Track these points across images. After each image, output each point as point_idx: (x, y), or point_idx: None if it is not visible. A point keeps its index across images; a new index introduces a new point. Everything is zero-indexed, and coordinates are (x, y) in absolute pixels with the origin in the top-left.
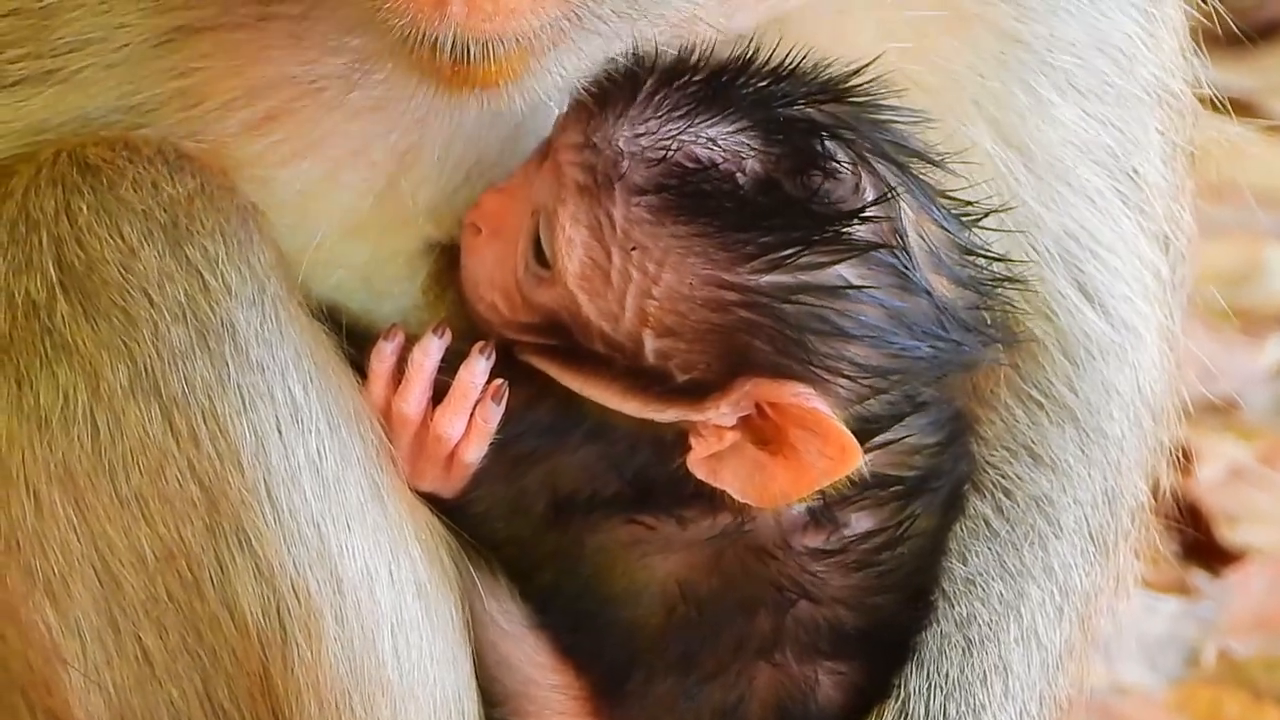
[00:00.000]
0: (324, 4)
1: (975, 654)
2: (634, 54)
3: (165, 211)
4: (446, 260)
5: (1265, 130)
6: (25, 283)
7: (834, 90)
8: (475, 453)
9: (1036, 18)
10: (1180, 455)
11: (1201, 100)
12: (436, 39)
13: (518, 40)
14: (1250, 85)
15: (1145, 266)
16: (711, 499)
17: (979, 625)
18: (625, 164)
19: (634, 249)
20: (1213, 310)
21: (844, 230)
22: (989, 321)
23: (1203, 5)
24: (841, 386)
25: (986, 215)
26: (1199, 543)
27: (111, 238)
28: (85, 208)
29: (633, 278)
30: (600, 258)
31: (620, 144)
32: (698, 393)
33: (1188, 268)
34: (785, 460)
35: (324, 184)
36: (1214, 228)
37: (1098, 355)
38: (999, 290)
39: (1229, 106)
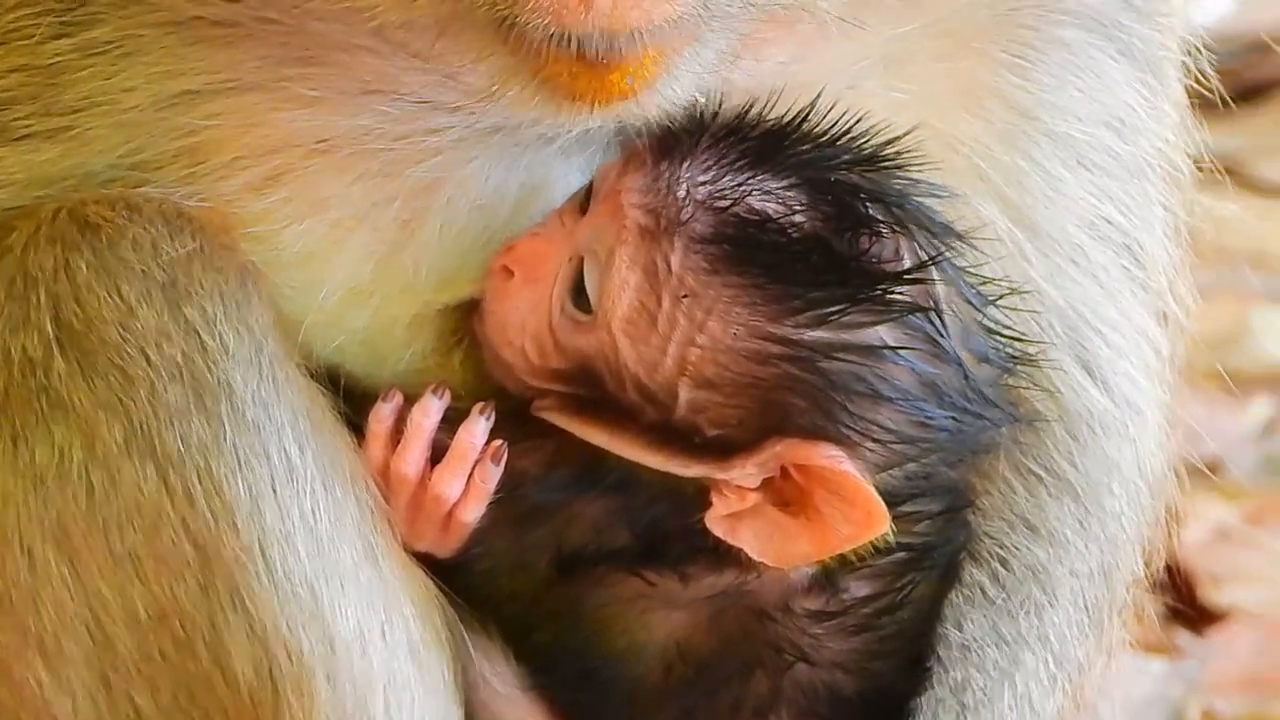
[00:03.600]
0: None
1: (969, 719)
2: (693, 105)
3: (164, 271)
4: (454, 321)
5: (1254, 192)
6: (22, 340)
7: (873, 157)
8: (473, 513)
9: (1045, 90)
10: (1169, 518)
11: (1196, 164)
12: (579, 37)
13: (660, 30)
14: (1237, 145)
15: (1147, 343)
16: (717, 556)
17: (973, 691)
18: (689, 210)
19: (685, 296)
20: (1197, 372)
21: (888, 291)
22: (1008, 399)
23: (1196, 71)
24: (869, 450)
25: (1005, 295)
26: (1183, 603)
27: (110, 296)
28: (84, 266)
29: (679, 324)
30: (650, 302)
31: (685, 189)
32: (725, 450)
33: (1184, 341)
34: (808, 523)
35: (326, 246)
36: (1199, 289)
37: (1099, 431)
38: (1015, 369)
39: (1222, 171)
